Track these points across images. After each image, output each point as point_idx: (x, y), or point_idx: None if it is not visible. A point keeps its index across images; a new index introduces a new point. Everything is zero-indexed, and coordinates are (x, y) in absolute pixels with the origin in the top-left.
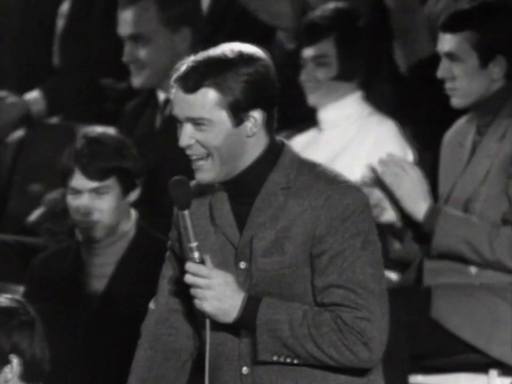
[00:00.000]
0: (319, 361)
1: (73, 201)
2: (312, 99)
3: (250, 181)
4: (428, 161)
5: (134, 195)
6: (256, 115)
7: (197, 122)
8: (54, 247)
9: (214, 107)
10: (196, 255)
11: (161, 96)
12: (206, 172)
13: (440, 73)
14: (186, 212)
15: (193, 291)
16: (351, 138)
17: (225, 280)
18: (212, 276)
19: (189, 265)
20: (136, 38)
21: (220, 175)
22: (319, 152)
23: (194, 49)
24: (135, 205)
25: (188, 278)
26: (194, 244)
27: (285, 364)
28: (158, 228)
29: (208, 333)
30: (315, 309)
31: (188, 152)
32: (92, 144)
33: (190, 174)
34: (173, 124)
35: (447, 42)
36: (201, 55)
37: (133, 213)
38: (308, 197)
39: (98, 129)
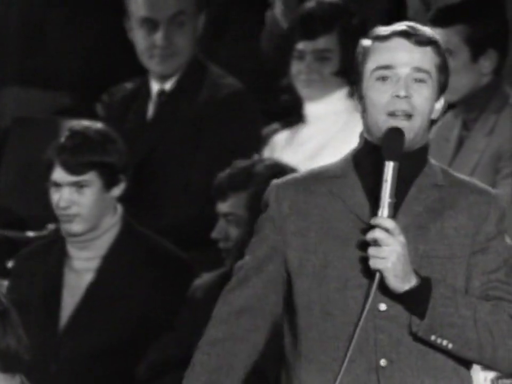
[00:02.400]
0: (477, 351)
1: (54, 195)
2: (305, 92)
3: (408, 169)
4: None
5: (118, 190)
6: (443, 99)
7: (420, 78)
8: (39, 241)
9: (434, 66)
10: (386, 212)
11: (155, 86)
12: (407, 124)
13: None
14: (393, 164)
15: (375, 249)
16: (336, 133)
17: (405, 241)
18: (399, 233)
19: (382, 220)
20: (177, 18)
21: (411, 143)
22: (303, 145)
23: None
24: (122, 198)
25: (375, 233)
26: (390, 200)
27: (428, 359)
28: (145, 221)
29: (372, 294)
30: (479, 299)
31: (396, 106)
32: (74, 137)
33: (182, 166)
34: (166, 115)
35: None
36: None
37: (119, 208)
38: (470, 193)
39: (85, 123)
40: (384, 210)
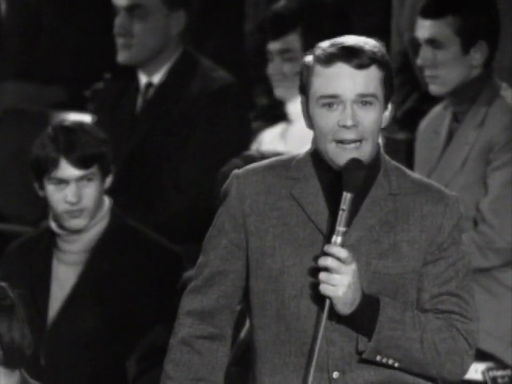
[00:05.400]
0: (423, 368)
1: (58, 192)
2: (279, 92)
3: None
4: (403, 149)
5: (108, 181)
6: (390, 105)
7: (366, 100)
8: (28, 234)
9: (379, 84)
10: (339, 240)
11: (143, 79)
12: (358, 154)
13: (420, 61)
14: (351, 195)
15: (327, 276)
16: None
17: (356, 268)
18: (352, 262)
19: (335, 249)
20: (134, 10)
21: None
22: (288, 143)
23: (185, 37)
24: (112, 191)
25: (327, 261)
26: (344, 229)
27: (380, 368)
28: (135, 215)
29: (323, 321)
30: (429, 315)
31: (344, 135)
32: (71, 133)
33: (171, 160)
34: (154, 108)
35: (428, 28)
36: (344, 37)
37: (107, 201)
38: (425, 204)
39: (71, 117)
40: (338, 238)
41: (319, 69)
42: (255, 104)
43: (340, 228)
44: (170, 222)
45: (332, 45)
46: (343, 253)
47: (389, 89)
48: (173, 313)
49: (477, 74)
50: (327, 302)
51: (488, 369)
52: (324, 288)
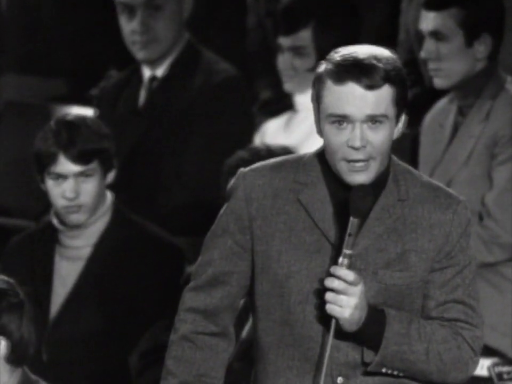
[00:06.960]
0: (428, 377)
1: (57, 187)
2: (288, 87)
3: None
4: (408, 144)
5: (111, 176)
6: (403, 117)
7: (376, 120)
8: (30, 229)
9: (390, 102)
10: (346, 262)
11: (147, 73)
12: (366, 174)
13: (424, 54)
14: (358, 221)
15: (333, 297)
16: None
17: (363, 288)
18: (359, 283)
19: (343, 272)
20: (152, 2)
21: (373, 178)
22: (292, 132)
23: (191, 23)
24: (114, 186)
25: (334, 283)
26: (350, 252)
27: (384, 377)
28: (137, 209)
29: (330, 340)
30: (434, 324)
31: (353, 156)
32: (72, 128)
33: (174, 153)
34: (158, 101)
35: (431, 20)
36: (358, 49)
37: (109, 195)
38: (433, 211)
39: (73, 111)
40: (344, 260)
41: (330, 84)
42: (258, 97)
43: (347, 251)
44: (173, 215)
45: (344, 60)
46: (350, 275)
47: (402, 105)
48: (176, 309)
49: (481, 68)
50: (333, 321)
51: (494, 365)
52: (331, 309)
